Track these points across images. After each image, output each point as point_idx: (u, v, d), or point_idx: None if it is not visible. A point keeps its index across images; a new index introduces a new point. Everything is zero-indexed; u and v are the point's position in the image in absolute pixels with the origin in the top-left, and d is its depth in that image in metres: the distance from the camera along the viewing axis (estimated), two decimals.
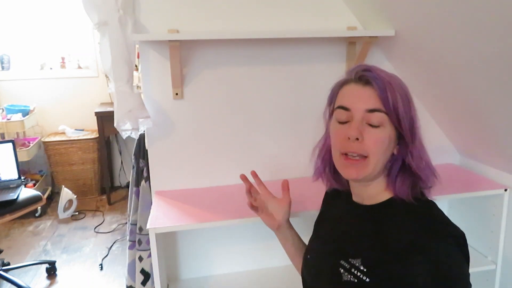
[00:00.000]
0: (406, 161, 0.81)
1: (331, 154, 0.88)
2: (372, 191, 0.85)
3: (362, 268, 0.77)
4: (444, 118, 1.63)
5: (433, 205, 0.81)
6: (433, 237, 0.72)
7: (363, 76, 0.79)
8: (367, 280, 0.75)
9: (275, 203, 1.06)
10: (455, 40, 1.15)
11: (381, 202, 0.84)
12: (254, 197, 1.09)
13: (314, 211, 1.16)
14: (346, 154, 0.80)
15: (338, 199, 0.99)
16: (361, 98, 0.78)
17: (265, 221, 1.07)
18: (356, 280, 0.77)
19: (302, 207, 1.31)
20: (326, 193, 1.07)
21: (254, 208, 1.07)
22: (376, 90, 0.77)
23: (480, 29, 1.01)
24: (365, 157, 0.78)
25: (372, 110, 0.77)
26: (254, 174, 1.09)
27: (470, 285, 0.72)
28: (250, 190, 1.09)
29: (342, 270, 0.80)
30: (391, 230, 0.78)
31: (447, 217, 0.78)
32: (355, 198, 0.90)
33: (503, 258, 1.52)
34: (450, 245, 0.72)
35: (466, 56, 1.16)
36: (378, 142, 0.78)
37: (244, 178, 1.09)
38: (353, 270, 0.78)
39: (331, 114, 0.87)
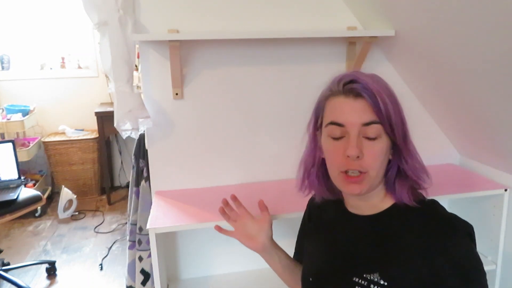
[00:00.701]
0: (400, 166, 0.80)
1: (321, 167, 0.86)
2: (373, 201, 0.82)
3: (382, 282, 0.73)
4: (444, 118, 1.63)
5: (436, 203, 0.80)
6: (448, 235, 0.72)
7: (353, 88, 0.75)
8: None
9: (255, 224, 1.04)
10: (455, 40, 1.15)
11: (384, 211, 0.81)
12: (228, 214, 1.10)
13: None
14: (346, 172, 0.77)
15: (327, 210, 0.94)
16: (355, 113, 0.75)
17: (245, 244, 1.05)
18: None
19: None
20: (310, 205, 1.03)
21: (225, 215, 1.09)
22: (368, 101, 0.74)
23: (481, 29, 1.01)
24: (365, 172, 0.76)
25: (368, 124, 0.74)
26: (234, 197, 1.10)
27: (485, 272, 0.73)
28: (224, 210, 1.10)
29: None
30: (402, 236, 0.76)
31: (453, 213, 0.78)
32: (351, 209, 0.86)
33: (503, 258, 1.52)
34: (464, 239, 0.73)
35: (466, 56, 1.16)
36: (377, 155, 0.75)
37: (225, 202, 1.11)
38: (372, 286, 0.74)
39: (319, 127, 0.84)
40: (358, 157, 0.74)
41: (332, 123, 0.77)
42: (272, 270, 1.06)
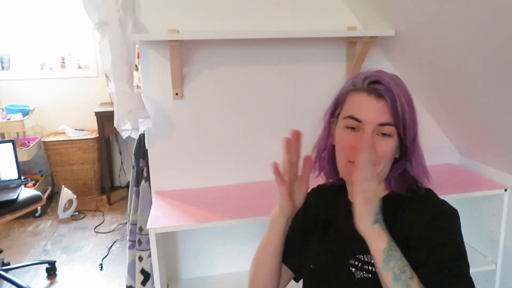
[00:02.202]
0: (405, 168, 0.84)
1: (331, 153, 0.90)
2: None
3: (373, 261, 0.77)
4: (444, 118, 1.63)
5: (431, 191, 0.85)
6: (442, 216, 0.78)
7: (377, 89, 0.79)
8: None
9: (297, 182, 0.86)
10: (455, 40, 1.15)
11: (380, 198, 0.83)
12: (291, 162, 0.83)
13: None
14: (353, 162, 0.80)
15: (328, 203, 0.97)
16: (374, 112, 0.79)
17: (284, 201, 0.85)
18: (370, 275, 0.78)
19: None
20: (309, 200, 0.97)
21: (281, 178, 0.84)
22: (388, 103, 0.78)
23: (480, 29, 1.01)
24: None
25: (383, 124, 0.79)
26: (298, 135, 0.81)
27: (465, 248, 0.77)
28: (290, 147, 0.82)
29: (353, 270, 0.80)
30: (394, 221, 0.78)
31: (443, 199, 0.83)
32: (352, 198, 0.88)
33: (503, 258, 1.52)
34: (455, 221, 0.78)
35: (466, 56, 1.16)
36: (386, 152, 0.80)
37: (296, 135, 0.80)
38: (365, 266, 0.79)
39: (336, 117, 0.87)
40: None
41: (351, 117, 0.81)
42: (264, 243, 0.92)
